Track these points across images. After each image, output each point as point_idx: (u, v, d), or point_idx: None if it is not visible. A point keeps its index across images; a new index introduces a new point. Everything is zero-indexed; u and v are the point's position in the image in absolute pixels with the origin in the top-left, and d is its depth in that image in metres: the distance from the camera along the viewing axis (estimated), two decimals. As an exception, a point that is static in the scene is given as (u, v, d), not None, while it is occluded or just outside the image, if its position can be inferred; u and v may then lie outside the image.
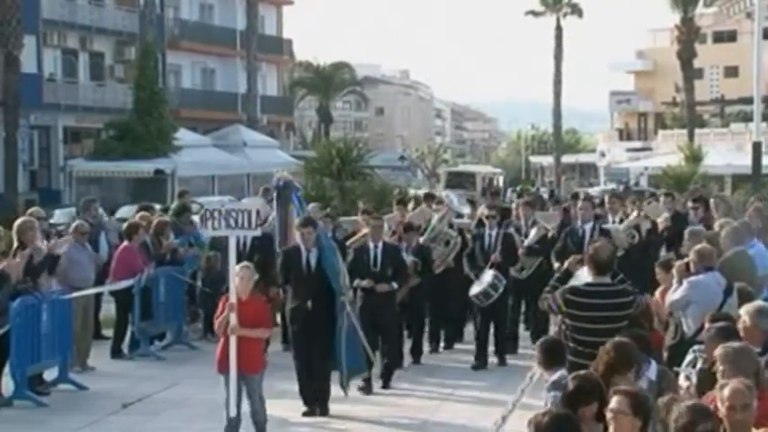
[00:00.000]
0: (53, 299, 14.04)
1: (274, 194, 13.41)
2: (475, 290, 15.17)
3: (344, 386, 12.77)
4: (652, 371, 8.18)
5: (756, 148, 31.61)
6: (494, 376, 14.66)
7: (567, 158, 76.01)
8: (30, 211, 16.63)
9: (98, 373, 14.63)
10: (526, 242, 16.34)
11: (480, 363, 15.28)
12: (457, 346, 16.76)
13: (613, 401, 6.46)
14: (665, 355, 10.52)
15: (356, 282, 13.76)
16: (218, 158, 49.30)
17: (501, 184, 64.98)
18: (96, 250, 16.25)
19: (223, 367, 10.71)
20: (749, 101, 43.40)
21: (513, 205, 18.90)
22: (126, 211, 27.01)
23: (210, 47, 59.63)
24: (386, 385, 13.92)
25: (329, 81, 74.01)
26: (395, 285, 13.93)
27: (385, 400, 13.45)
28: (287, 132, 70.30)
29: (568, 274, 10.18)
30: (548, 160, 78.83)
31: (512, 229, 16.33)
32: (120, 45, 53.00)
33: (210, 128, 55.65)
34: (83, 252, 15.59)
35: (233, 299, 10.67)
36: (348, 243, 15.62)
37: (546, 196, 34.15)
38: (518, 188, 51.79)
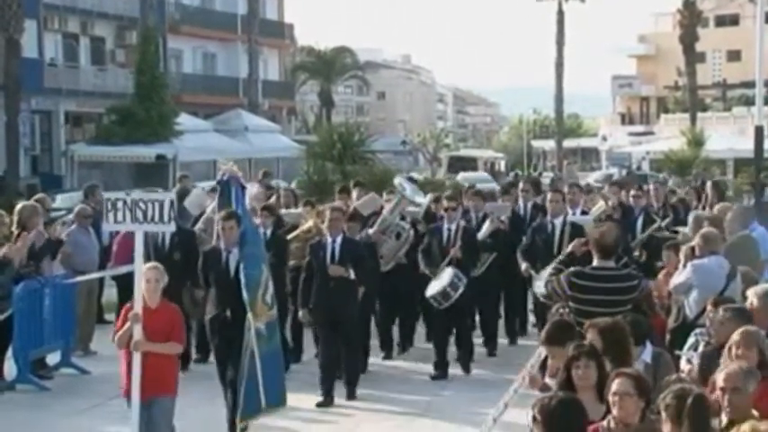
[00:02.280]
0: (56, 283, 14.07)
1: (218, 189, 11.74)
2: (432, 290, 13.61)
3: (237, 419, 10.71)
4: (647, 354, 8.21)
5: (758, 132, 31.44)
6: (463, 386, 13.42)
7: (569, 143, 75.94)
8: (36, 197, 16.63)
9: (100, 358, 14.63)
10: (479, 236, 14.56)
11: (441, 373, 13.79)
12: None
13: (616, 384, 6.49)
14: (667, 338, 10.54)
15: (300, 313, 13.05)
16: (220, 143, 49.25)
17: (503, 168, 65.07)
18: (99, 235, 16.25)
19: (127, 391, 9.11)
20: (751, 85, 43.27)
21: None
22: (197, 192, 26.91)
23: (211, 31, 59.49)
24: (351, 394, 12.71)
25: (331, 65, 73.90)
26: (351, 273, 12.63)
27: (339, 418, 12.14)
28: (288, 117, 70.22)
29: (572, 258, 10.18)
30: (549, 144, 78.80)
31: (469, 223, 14.76)
32: (120, 30, 52.89)
33: (212, 112, 55.59)
34: (86, 236, 15.62)
35: (137, 307, 9.08)
36: (290, 237, 14.54)
37: (548, 181, 34.05)
38: (515, 172, 51.85)
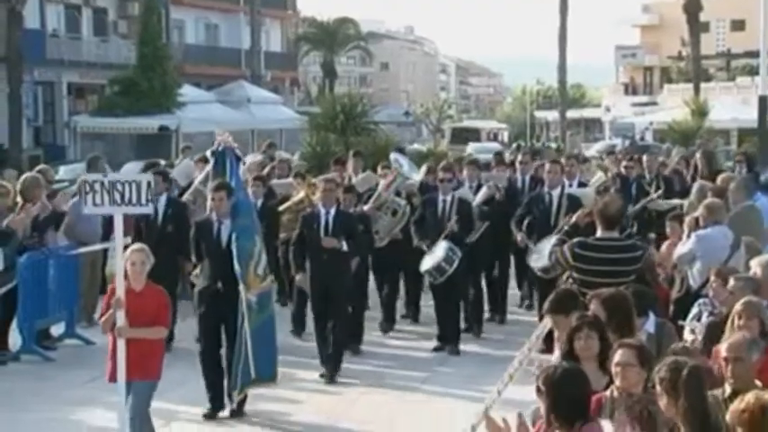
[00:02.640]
0: (60, 254, 14.09)
1: (212, 160, 11.50)
2: (427, 264, 13.42)
3: (234, 391, 10.87)
4: (651, 324, 8.22)
5: (762, 102, 31.43)
6: (465, 364, 13.23)
7: (573, 114, 75.77)
8: (38, 168, 16.62)
9: (105, 328, 14.64)
10: (474, 203, 14.39)
11: (441, 345, 13.74)
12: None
13: (619, 354, 6.51)
14: (671, 308, 10.56)
15: (297, 278, 12.81)
16: (223, 114, 49.12)
17: (506, 138, 64.97)
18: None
19: (112, 375, 8.96)
20: (755, 54, 43.16)
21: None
22: (130, 168, 26.93)
23: (214, 2, 59.37)
24: (332, 378, 12.30)
25: (333, 36, 73.61)
26: (345, 246, 12.38)
27: (329, 399, 11.80)
28: (291, 88, 70.06)
29: (576, 228, 10.20)
30: (553, 115, 78.62)
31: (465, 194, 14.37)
32: (123, 0, 52.75)
33: (214, 84, 55.47)
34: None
35: (120, 291, 8.80)
36: (281, 209, 14.47)
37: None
38: (518, 143, 51.76)
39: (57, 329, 14.27)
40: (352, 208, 13.44)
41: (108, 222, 15.20)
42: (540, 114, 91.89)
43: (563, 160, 15.32)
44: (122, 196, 8.82)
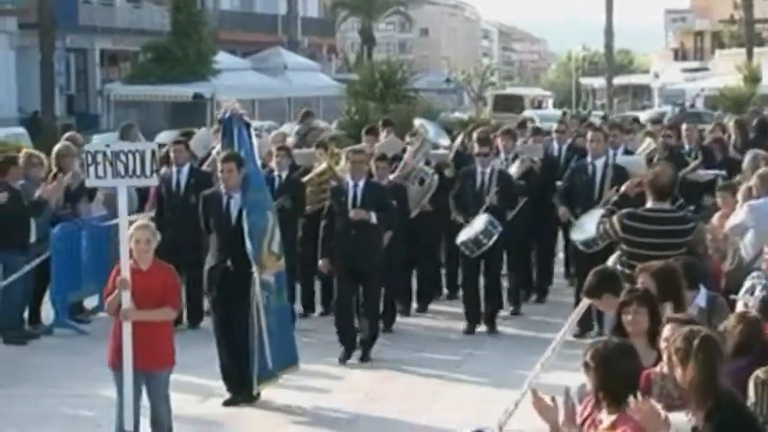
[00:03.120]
0: (93, 225, 14.13)
1: (220, 129, 11.07)
2: (464, 236, 13.07)
3: (255, 385, 10.35)
4: (702, 298, 8.13)
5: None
6: (493, 347, 12.89)
7: (620, 80, 75.23)
8: (67, 135, 16.65)
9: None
10: None
11: (472, 325, 13.35)
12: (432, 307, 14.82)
13: (668, 330, 6.44)
14: (723, 282, 10.45)
15: (320, 262, 12.37)
16: (258, 82, 49.24)
17: (550, 106, 64.64)
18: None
19: (116, 361, 8.49)
20: (811, 18, 42.64)
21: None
22: (165, 137, 27.04)
23: (250, -34, 59.37)
24: (365, 356, 12.10)
25: (372, 1, 73.39)
26: (374, 217, 11.97)
27: (357, 379, 11.61)
28: (329, 55, 70.00)
29: (626, 198, 10.09)
30: (599, 82, 78.04)
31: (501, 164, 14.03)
32: (156, -35, 52.87)
33: (250, 50, 55.54)
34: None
35: (125, 272, 8.41)
36: (305, 180, 13.99)
37: (598, 120, 33.61)
38: (563, 111, 51.46)
39: (90, 302, 14.33)
40: (386, 178, 13.09)
41: (142, 194, 15.23)
42: (585, 81, 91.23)
43: (606, 128, 14.85)
44: (126, 168, 8.49)
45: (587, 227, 12.06)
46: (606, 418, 5.75)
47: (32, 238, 13.08)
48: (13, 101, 43.35)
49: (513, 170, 14.20)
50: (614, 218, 9.52)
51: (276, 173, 13.61)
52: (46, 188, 13.02)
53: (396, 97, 26.69)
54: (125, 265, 8.44)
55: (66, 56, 46.78)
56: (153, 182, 9.13)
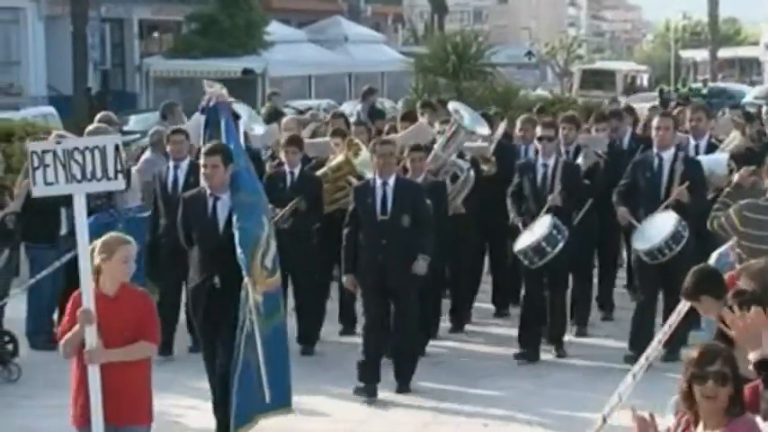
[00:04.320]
0: (130, 216, 14.21)
1: (202, 119, 10.25)
2: (523, 243, 12.16)
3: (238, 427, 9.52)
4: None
5: None
6: (533, 376, 12.08)
7: (725, 52, 74.62)
8: (100, 116, 16.77)
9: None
10: None
11: (529, 352, 12.40)
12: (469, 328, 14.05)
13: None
14: None
15: (345, 279, 11.66)
16: (315, 56, 49.39)
17: (645, 83, 64.20)
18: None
19: (82, 419, 7.48)
20: None
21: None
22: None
23: (306, -75, 59.53)
24: (403, 387, 11.42)
25: (444, -36, 73.38)
26: (425, 260, 11.15)
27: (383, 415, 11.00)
28: (394, 25, 70.05)
29: (740, 189, 10.00)
30: (702, 55, 77.50)
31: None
32: (201, -76, 53.21)
33: (306, 20, 55.69)
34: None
35: (87, 300, 7.38)
36: (319, 173, 13.29)
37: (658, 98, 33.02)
38: (660, 88, 51.03)
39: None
40: (422, 173, 12.33)
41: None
42: (686, 54, 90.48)
43: (688, 112, 13.87)
44: (83, 169, 7.47)
45: (651, 233, 11.79)
46: None
47: (63, 231, 13.19)
48: (42, 77, 43.81)
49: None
50: (731, 210, 9.45)
51: (288, 169, 12.86)
52: None
53: (470, 73, 26.58)
54: (87, 293, 7.41)
55: (101, 27, 47.16)
56: (119, 185, 7.92)
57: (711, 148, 13.29)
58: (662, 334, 9.45)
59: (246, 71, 43.84)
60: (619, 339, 12.89)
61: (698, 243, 11.63)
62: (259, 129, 15.31)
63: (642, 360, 9.12)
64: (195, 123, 13.78)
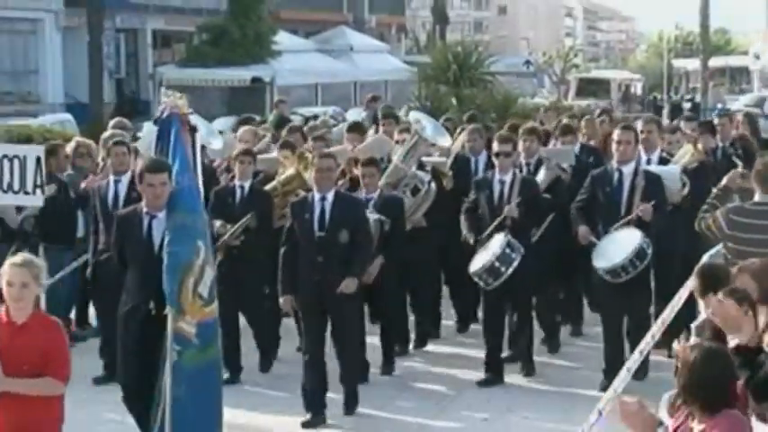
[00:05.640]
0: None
1: (154, 130, 9.21)
2: (477, 264, 11.24)
3: None
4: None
5: None
6: (522, 399, 11.19)
7: (716, 62, 74.47)
8: (112, 122, 16.75)
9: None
10: None
11: (492, 376, 11.53)
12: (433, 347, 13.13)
13: None
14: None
15: (281, 300, 10.72)
16: (322, 64, 49.37)
17: (639, 91, 64.18)
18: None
19: None
20: None
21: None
22: (221, 123, 27.17)
23: (313, -61, 59.56)
24: (350, 410, 10.61)
25: (445, -24, 73.39)
26: (353, 281, 10.36)
27: None
28: (398, 35, 69.98)
29: (728, 191, 9.98)
30: (693, 64, 77.31)
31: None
32: (212, -61, 53.23)
33: (313, 30, 55.67)
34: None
35: None
36: (268, 187, 12.41)
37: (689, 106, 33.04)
38: (653, 96, 51.01)
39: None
40: (375, 190, 11.59)
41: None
42: (678, 63, 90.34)
43: (639, 124, 12.53)
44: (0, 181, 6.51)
45: (612, 251, 10.92)
46: (696, 426, 5.74)
47: (79, 233, 13.18)
48: (60, 85, 43.85)
49: (539, 178, 12.26)
50: (718, 213, 9.43)
51: (238, 183, 11.98)
52: (93, 179, 13.09)
53: (470, 81, 26.55)
54: None
55: (116, 37, 47.21)
56: (37, 201, 6.96)
57: (663, 163, 12.19)
58: (656, 328, 9.43)
59: (256, 79, 43.89)
60: (591, 360, 12.08)
61: (661, 260, 11.21)
62: (217, 143, 14.53)
63: (636, 354, 9.11)
64: (148, 134, 12.86)
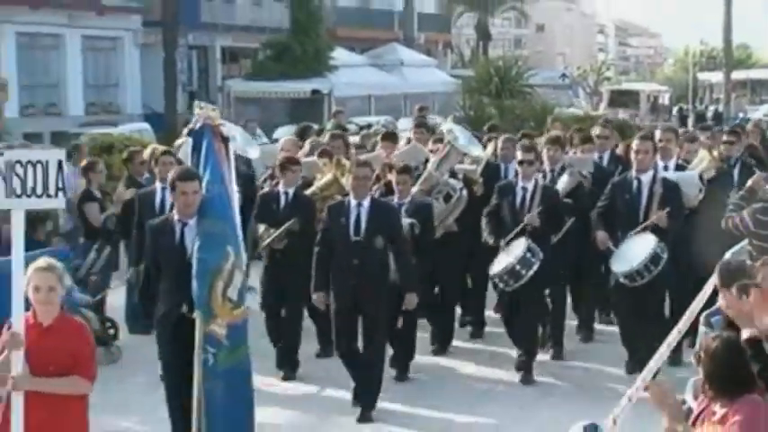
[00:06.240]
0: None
1: (189, 141, 8.96)
2: (498, 267, 10.95)
3: None
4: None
5: None
6: (517, 399, 10.78)
7: (738, 75, 73.82)
8: (185, 130, 16.85)
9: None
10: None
11: (526, 375, 11.25)
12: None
13: None
14: None
15: (314, 297, 10.30)
16: (375, 78, 49.43)
17: (667, 101, 63.73)
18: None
19: None
20: None
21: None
22: (284, 131, 27.37)
23: (367, -37, 59.66)
24: (365, 415, 10.06)
25: (488, -3, 73.15)
26: (412, 296, 10.20)
27: None
28: (444, 51, 69.89)
29: (753, 193, 9.87)
30: (717, 77, 76.68)
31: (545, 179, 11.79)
32: (276, -37, 53.41)
33: (367, 47, 55.73)
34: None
35: (18, 324, 6.32)
36: (308, 192, 11.95)
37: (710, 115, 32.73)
38: (680, 107, 50.62)
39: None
40: (407, 196, 11.20)
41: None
42: (703, 76, 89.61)
43: (657, 134, 12.19)
44: (23, 185, 6.31)
45: (629, 255, 10.64)
46: (719, 410, 5.72)
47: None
48: (138, 97, 44.21)
49: (561, 185, 11.94)
50: (745, 213, 9.39)
51: (282, 189, 11.52)
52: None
53: (511, 93, 26.64)
54: (18, 318, 6.34)
55: (189, 53, 47.46)
56: (59, 203, 6.58)
57: (679, 170, 11.92)
58: (682, 323, 9.29)
59: (315, 92, 43.99)
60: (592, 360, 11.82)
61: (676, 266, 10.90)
62: (253, 152, 14.13)
63: (664, 347, 8.95)
64: (186, 143, 11.95)
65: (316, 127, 21.72)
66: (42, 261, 6.56)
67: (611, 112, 44.99)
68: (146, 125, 32.70)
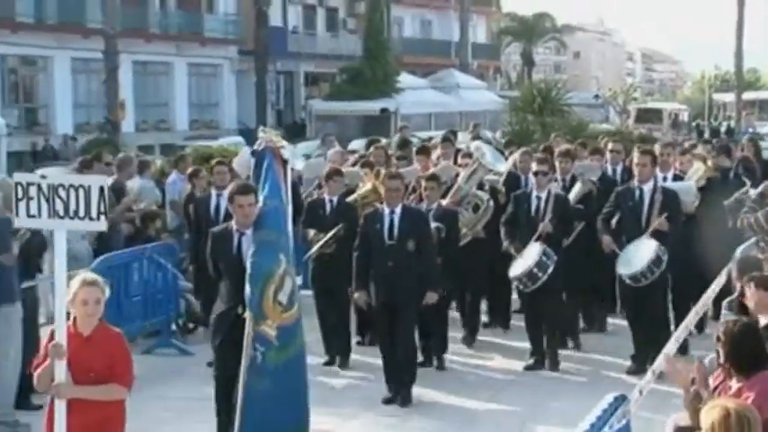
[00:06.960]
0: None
1: (252, 160, 8.45)
2: (517, 270, 10.54)
3: None
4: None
5: None
6: (537, 388, 10.16)
7: (748, 95, 72.71)
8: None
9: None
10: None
11: (537, 362, 10.76)
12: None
13: None
14: None
15: (356, 295, 9.91)
16: (435, 98, 49.33)
17: (686, 119, 62.88)
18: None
19: None
20: None
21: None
22: (357, 144, 27.28)
23: (428, 0, 59.50)
24: (406, 399, 9.60)
25: (532, 29, 72.68)
26: (434, 292, 9.74)
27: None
28: (494, 75, 69.66)
29: (764, 197, 9.58)
30: (730, 97, 75.58)
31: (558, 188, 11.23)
32: (351, 1, 53.47)
33: (428, 72, 55.65)
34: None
35: (60, 335, 5.89)
36: (350, 199, 11.40)
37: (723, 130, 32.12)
38: (697, 122, 49.89)
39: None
40: (435, 202, 10.71)
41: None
42: (717, 97, 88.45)
43: (657, 147, 11.73)
44: (66, 207, 5.87)
45: (634, 259, 10.22)
46: (734, 384, 5.68)
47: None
48: (233, 115, 44.62)
49: (573, 192, 11.41)
50: (759, 213, 9.14)
51: (327, 197, 11.01)
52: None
53: (551, 111, 26.36)
54: (60, 327, 5.90)
55: (277, 77, 47.75)
56: (101, 226, 6.01)
57: (677, 180, 11.44)
58: (693, 316, 9.01)
59: (383, 110, 43.99)
60: (613, 349, 11.19)
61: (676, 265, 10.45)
62: (298, 164, 13.61)
63: (680, 331, 8.67)
64: (244, 157, 11.84)
65: (383, 140, 21.63)
66: (89, 275, 6.15)
67: (638, 127, 44.45)
68: (240, 138, 32.85)
